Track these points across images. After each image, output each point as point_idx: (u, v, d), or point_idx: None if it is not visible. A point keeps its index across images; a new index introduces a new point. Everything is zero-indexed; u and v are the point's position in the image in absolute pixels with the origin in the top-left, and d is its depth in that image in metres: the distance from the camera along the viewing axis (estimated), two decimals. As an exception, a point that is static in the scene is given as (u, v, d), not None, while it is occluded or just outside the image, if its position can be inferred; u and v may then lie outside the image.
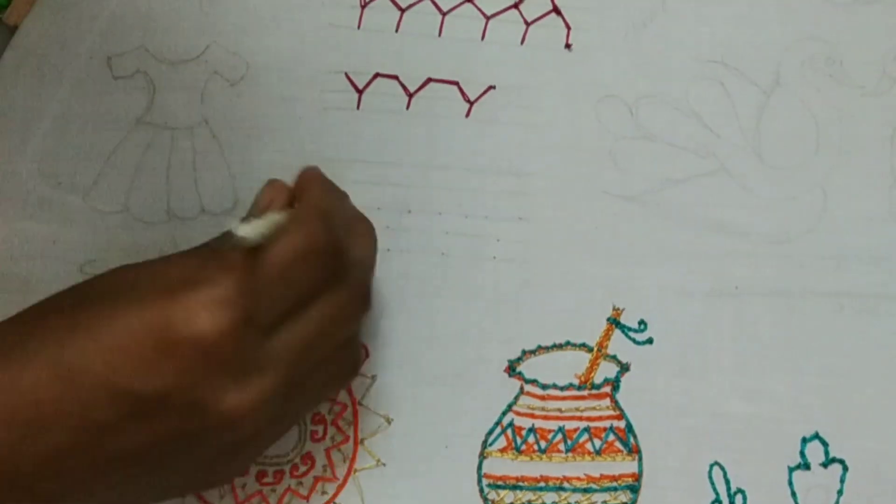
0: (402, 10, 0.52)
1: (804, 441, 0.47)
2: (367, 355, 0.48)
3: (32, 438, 0.36)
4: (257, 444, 0.41)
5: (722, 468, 0.46)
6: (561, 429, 0.47)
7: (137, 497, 0.40)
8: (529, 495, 0.46)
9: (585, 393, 0.47)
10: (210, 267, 0.38)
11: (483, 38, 0.52)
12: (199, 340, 0.36)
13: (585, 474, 0.46)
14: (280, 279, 0.39)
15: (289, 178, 0.49)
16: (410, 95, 0.52)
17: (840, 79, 0.52)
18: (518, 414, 0.47)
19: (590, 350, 0.48)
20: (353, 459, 0.46)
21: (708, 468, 0.46)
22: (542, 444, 0.46)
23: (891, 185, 0.50)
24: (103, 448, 0.37)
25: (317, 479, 0.46)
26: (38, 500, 0.37)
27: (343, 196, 0.45)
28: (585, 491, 0.46)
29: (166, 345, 0.36)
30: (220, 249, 0.40)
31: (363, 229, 0.44)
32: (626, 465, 0.46)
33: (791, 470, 0.46)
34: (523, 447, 0.46)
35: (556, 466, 0.46)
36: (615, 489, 0.46)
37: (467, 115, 0.51)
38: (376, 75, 0.52)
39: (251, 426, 0.38)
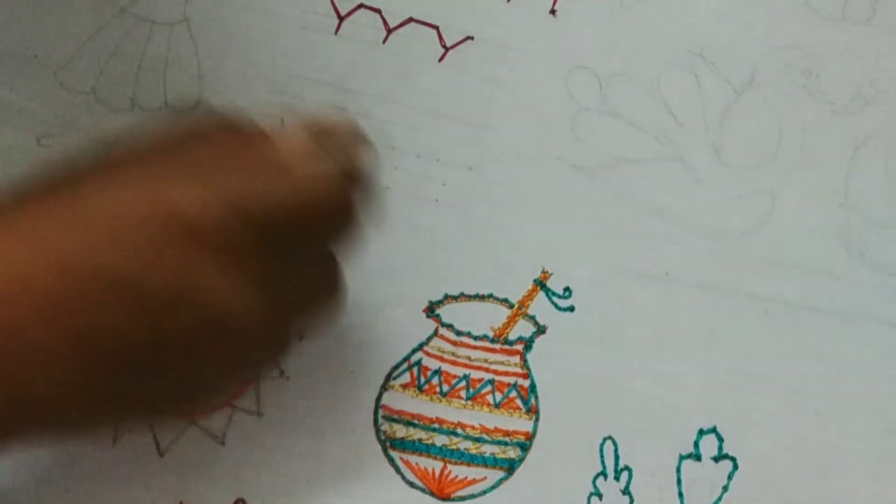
0: (396, -57, 0.53)
1: (701, 433, 0.47)
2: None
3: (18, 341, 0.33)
4: (252, 344, 0.38)
5: (614, 443, 0.46)
6: (466, 376, 0.47)
7: (139, 412, 0.38)
8: (421, 434, 0.46)
9: (497, 347, 0.48)
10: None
11: (474, -13, 0.53)
12: (204, 231, 0.35)
13: (480, 424, 0.47)
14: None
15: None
16: (389, 31, 0.52)
17: (813, 91, 0.52)
18: (427, 354, 0.47)
19: (511, 306, 0.48)
20: (258, 367, 0.47)
21: (601, 441, 0.47)
22: (445, 387, 0.47)
23: (840, 204, 0.50)
24: (103, 347, 0.34)
25: (219, 379, 0.46)
26: (37, 418, 0.35)
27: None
28: (476, 440, 0.46)
29: (171, 236, 0.35)
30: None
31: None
32: (522, 423, 0.47)
33: (682, 458, 0.46)
34: (426, 387, 0.47)
35: (453, 411, 0.47)
36: (506, 444, 0.46)
37: (440, 59, 0.52)
38: (360, 5, 0.52)
39: (244, 319, 0.36)
